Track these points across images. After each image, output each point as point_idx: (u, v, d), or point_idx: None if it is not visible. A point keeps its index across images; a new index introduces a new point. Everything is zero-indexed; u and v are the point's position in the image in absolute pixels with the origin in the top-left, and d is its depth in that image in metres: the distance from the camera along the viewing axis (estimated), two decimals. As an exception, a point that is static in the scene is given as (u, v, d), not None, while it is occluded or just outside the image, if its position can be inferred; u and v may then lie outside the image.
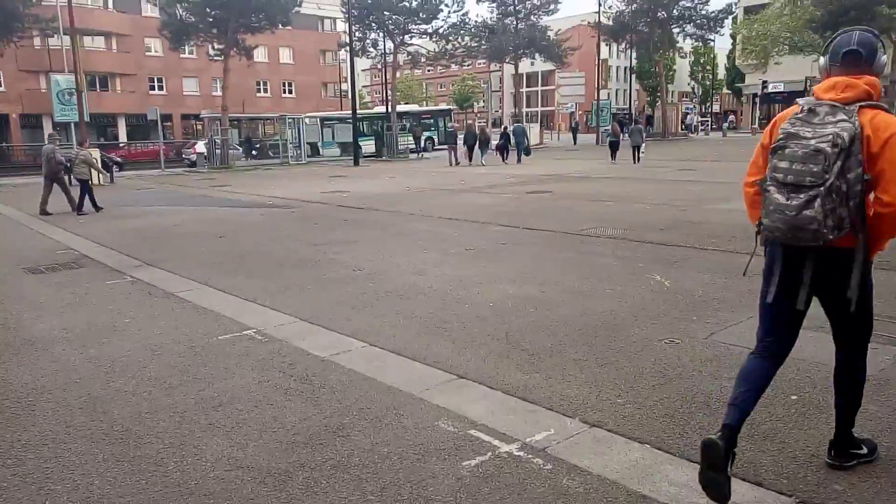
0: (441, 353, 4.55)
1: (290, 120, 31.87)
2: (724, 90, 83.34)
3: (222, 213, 13.70)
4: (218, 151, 28.36)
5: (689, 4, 38.43)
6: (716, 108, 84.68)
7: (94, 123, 45.85)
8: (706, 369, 4.07)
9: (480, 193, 15.36)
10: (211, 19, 27.55)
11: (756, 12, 46.44)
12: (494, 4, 37.56)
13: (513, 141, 27.40)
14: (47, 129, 42.23)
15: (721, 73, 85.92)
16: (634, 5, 38.75)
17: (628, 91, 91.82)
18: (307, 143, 33.77)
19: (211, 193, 18.30)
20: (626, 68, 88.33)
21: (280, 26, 29.19)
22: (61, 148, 15.81)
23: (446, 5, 31.91)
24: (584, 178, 18.24)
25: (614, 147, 25.26)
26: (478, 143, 26.51)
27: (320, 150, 35.13)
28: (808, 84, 54.98)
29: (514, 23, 37.47)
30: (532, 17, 37.55)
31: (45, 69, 38.21)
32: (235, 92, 51.64)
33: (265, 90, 53.98)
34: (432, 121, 41.31)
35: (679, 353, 4.37)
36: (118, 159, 33.61)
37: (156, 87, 49.14)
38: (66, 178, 14.59)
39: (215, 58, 29.37)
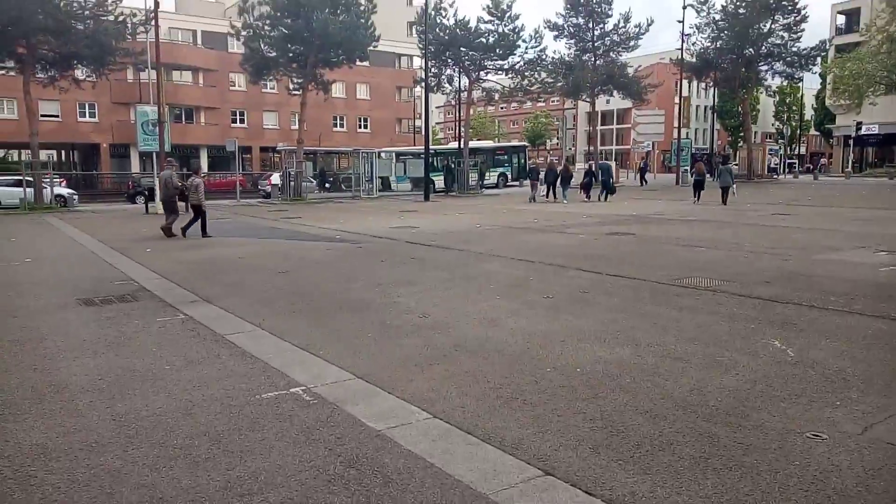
0: (521, 434, 3.71)
1: (364, 154, 31.96)
2: (811, 131, 79.50)
3: (288, 246, 13.34)
4: (292, 183, 28.58)
5: (778, 41, 36.65)
6: (802, 150, 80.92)
7: (177, 154, 47.69)
8: (877, 483, 3.07)
9: (556, 233, 14.48)
10: (291, 54, 28.04)
11: (848, 51, 44.02)
12: (573, 41, 36.98)
13: (598, 178, 27.01)
14: (134, 158, 44.29)
15: (808, 113, 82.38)
16: (720, 42, 37.31)
17: (709, 131, 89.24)
18: (379, 177, 33.78)
19: (281, 225, 18.13)
20: (705, 107, 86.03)
21: (357, 62, 29.42)
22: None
23: (524, 41, 31.53)
24: (668, 220, 17.08)
25: (699, 187, 24.32)
26: (560, 179, 26.19)
27: (392, 185, 35.08)
28: (904, 126, 51.80)
29: (593, 59, 36.71)
30: (611, 54, 36.71)
31: (135, 101, 39.99)
32: (312, 126, 52.92)
33: (341, 125, 55.01)
34: (506, 157, 40.85)
35: (831, 455, 3.38)
36: (197, 188, 34.55)
37: (237, 120, 50.82)
38: (178, 202, 15.33)
39: (294, 92, 29.82)
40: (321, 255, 11.63)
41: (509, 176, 39.20)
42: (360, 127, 55.64)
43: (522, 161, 39.88)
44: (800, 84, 52.48)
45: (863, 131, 53.76)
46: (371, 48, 30.54)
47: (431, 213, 21.01)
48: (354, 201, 28.39)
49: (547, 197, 26.50)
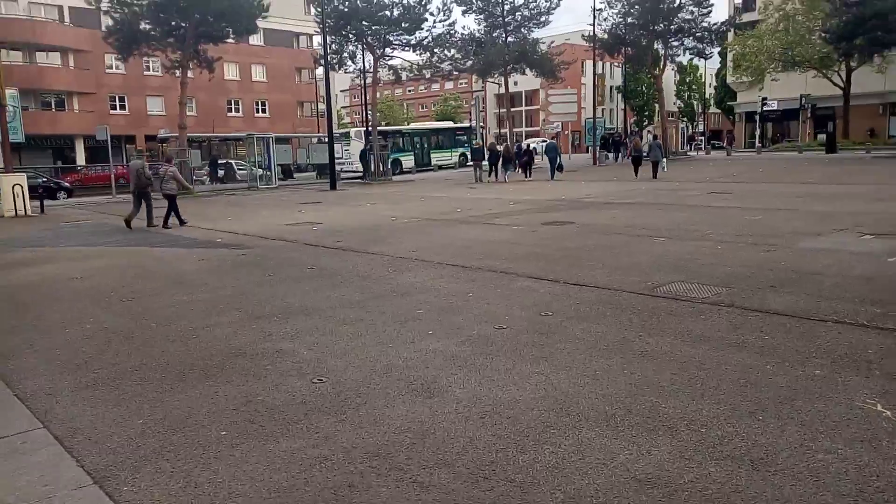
0: None
1: (259, 139, 28.66)
2: (711, 109, 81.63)
3: (151, 257, 10.48)
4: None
5: (688, 17, 35.95)
6: (701, 127, 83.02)
7: (49, 145, 42.41)
8: None
9: (484, 225, 12.31)
10: (166, 26, 24.35)
11: (745, 30, 44.22)
12: (483, 16, 34.86)
13: (543, 158, 28.35)
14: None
15: (707, 92, 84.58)
16: (630, 18, 36.24)
17: (615, 110, 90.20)
18: (279, 164, 30.61)
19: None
20: (610, 87, 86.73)
21: (248, 38, 26.04)
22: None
23: (431, 14, 29.08)
24: (605, 205, 15.28)
25: (637, 163, 24.83)
26: (501, 160, 27.17)
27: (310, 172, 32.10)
28: (803, 101, 53.37)
29: (504, 35, 34.76)
30: (522, 30, 34.87)
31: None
32: (205, 111, 48.66)
33: (237, 109, 50.82)
34: (464, 137, 40.43)
35: None
36: (66, 185, 30.21)
37: (117, 107, 45.71)
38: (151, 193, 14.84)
39: (172, 70, 26.06)
40: (189, 270, 8.90)
41: (468, 155, 37.75)
42: (257, 111, 51.61)
43: (474, 142, 37.80)
44: (707, 60, 52.77)
45: (758, 108, 55.00)
46: (263, 22, 27.35)
47: (338, 205, 18.38)
48: (250, 193, 25.21)
49: (490, 176, 26.89)
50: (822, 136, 54.13)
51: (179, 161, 24.63)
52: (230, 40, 26.97)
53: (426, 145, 39.07)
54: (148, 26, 24.36)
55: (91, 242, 12.56)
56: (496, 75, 36.05)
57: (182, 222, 14.46)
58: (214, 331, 5.64)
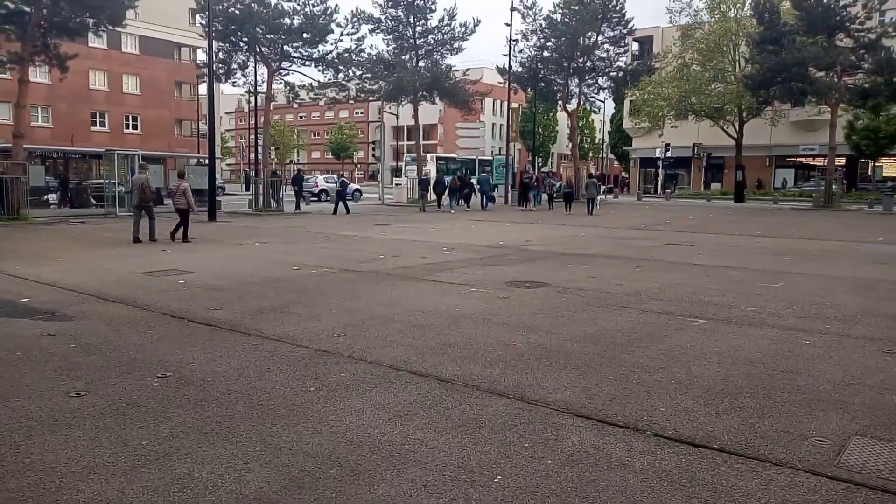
0: None
1: (122, 157, 23.71)
2: (607, 154, 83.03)
3: None
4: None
5: (603, 55, 34.85)
6: (592, 171, 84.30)
7: None
8: None
9: (431, 284, 8.96)
10: (3, 11, 19.30)
11: (641, 77, 44.15)
12: (391, 37, 31.87)
13: (476, 189, 28.95)
14: None
15: (598, 136, 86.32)
16: (546, 52, 34.62)
17: (513, 149, 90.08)
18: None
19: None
20: (500, 125, 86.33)
21: (110, 26, 21.32)
22: None
23: (339, 26, 25.68)
24: (561, 256, 12.36)
25: (569, 199, 27.03)
26: (448, 190, 27.36)
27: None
28: (695, 150, 54.52)
29: (415, 59, 31.91)
30: (435, 55, 32.21)
31: None
32: (64, 123, 42.06)
33: (102, 123, 44.57)
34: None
35: None
36: None
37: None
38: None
39: (9, 65, 20.82)
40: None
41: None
42: (127, 127, 45.53)
43: (423, 173, 34.12)
44: (590, 108, 52.62)
45: (657, 154, 55.75)
46: (140, 29, 22.94)
47: (218, 244, 14.33)
48: (105, 222, 20.34)
49: (440, 207, 27.69)
50: (715, 185, 55.78)
51: (13, 178, 19.47)
52: (97, 44, 22.12)
53: None
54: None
55: None
56: (405, 102, 33.06)
57: (187, 240, 14.30)
58: None
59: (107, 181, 23.45)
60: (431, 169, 33.32)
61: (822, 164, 46.62)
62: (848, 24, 27.50)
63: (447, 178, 28.81)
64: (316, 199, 34.03)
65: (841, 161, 43.35)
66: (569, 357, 5.34)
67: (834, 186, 29.97)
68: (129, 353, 5.38)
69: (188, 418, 3.93)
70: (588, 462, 3.38)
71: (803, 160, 52.32)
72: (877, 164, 39.26)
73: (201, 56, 43.13)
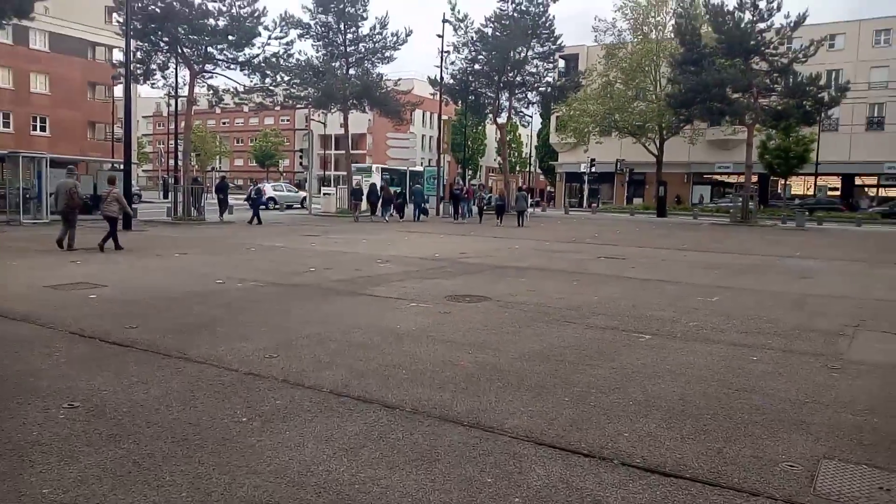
0: None
1: (27, 161, 22.02)
2: (533, 168, 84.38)
3: None
4: None
5: (533, 70, 35.34)
6: (520, 184, 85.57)
7: None
8: None
9: (367, 299, 8.55)
10: None
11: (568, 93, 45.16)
12: (321, 43, 31.20)
13: (409, 201, 29.72)
14: None
15: (525, 150, 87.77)
16: (477, 65, 34.80)
17: (442, 161, 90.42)
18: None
19: None
20: (430, 137, 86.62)
21: (16, 19, 19.79)
22: None
23: (267, 29, 24.87)
24: (498, 268, 12.19)
25: (501, 211, 27.73)
26: (381, 200, 27.55)
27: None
28: (618, 165, 56.16)
29: (345, 67, 31.32)
30: (366, 63, 31.73)
31: None
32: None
33: (6, 125, 41.68)
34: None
35: None
36: None
37: None
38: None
39: None
40: None
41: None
42: (34, 128, 42.78)
43: (355, 183, 32.92)
44: (539, 118, 53.53)
45: (582, 169, 57.09)
46: (50, 25, 21.36)
47: (133, 255, 13.34)
48: (6, 230, 18.77)
49: (373, 215, 27.63)
50: (637, 200, 57.59)
51: None
52: (0, 38, 20.50)
53: None
54: None
55: None
56: (335, 110, 32.40)
57: (119, 248, 13.53)
58: None
59: (9, 186, 21.69)
60: (377, 179, 32.72)
61: (736, 181, 49.00)
62: (763, 48, 28.96)
63: (379, 188, 28.36)
64: (264, 206, 32.57)
65: (754, 178, 45.73)
66: (521, 377, 5.07)
67: (750, 203, 31.38)
68: (30, 379, 4.74)
69: (100, 458, 3.40)
70: (559, 499, 3.09)
71: (719, 177, 54.82)
72: (787, 182, 41.45)
73: (118, 56, 41.04)
